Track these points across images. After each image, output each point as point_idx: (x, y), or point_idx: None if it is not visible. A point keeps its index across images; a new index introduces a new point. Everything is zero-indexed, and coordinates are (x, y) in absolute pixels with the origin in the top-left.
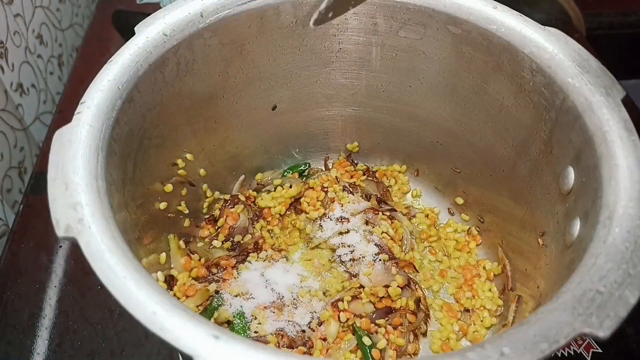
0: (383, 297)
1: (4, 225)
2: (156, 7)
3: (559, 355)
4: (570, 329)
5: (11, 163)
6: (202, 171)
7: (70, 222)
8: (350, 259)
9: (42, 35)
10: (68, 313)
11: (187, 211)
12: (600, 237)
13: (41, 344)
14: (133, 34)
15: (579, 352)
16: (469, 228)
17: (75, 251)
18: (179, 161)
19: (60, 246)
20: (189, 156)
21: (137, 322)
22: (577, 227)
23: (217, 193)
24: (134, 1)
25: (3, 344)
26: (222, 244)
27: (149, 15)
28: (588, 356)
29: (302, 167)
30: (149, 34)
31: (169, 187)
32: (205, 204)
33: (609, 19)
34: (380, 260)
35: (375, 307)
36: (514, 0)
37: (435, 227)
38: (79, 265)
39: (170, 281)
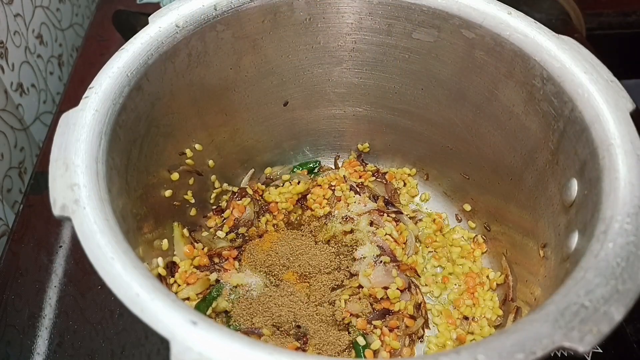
0: (382, 298)
1: (4, 225)
2: (156, 7)
3: (559, 355)
4: (549, 341)
5: (11, 163)
6: (210, 162)
7: (66, 202)
8: (352, 259)
9: (42, 35)
10: (68, 313)
11: (193, 200)
12: (592, 251)
13: (41, 344)
14: (133, 33)
15: None
16: (475, 236)
17: (75, 251)
18: (187, 151)
19: (60, 246)
20: (197, 146)
21: (132, 314)
22: (575, 240)
23: (225, 185)
24: (134, 1)
25: (3, 344)
26: (226, 235)
27: (149, 15)
28: (588, 356)
29: (312, 165)
30: (162, 24)
31: (175, 176)
32: (213, 195)
33: (609, 19)
34: (381, 262)
35: (373, 308)
36: (514, 0)
37: (441, 233)
38: (79, 265)
39: (172, 268)
